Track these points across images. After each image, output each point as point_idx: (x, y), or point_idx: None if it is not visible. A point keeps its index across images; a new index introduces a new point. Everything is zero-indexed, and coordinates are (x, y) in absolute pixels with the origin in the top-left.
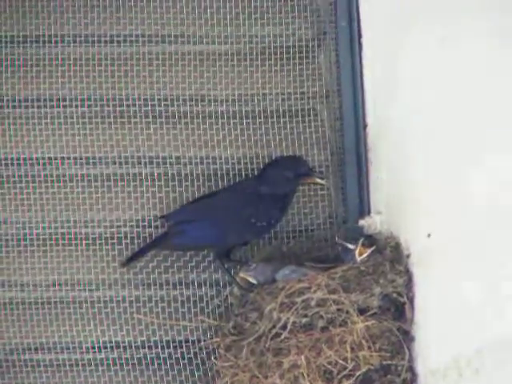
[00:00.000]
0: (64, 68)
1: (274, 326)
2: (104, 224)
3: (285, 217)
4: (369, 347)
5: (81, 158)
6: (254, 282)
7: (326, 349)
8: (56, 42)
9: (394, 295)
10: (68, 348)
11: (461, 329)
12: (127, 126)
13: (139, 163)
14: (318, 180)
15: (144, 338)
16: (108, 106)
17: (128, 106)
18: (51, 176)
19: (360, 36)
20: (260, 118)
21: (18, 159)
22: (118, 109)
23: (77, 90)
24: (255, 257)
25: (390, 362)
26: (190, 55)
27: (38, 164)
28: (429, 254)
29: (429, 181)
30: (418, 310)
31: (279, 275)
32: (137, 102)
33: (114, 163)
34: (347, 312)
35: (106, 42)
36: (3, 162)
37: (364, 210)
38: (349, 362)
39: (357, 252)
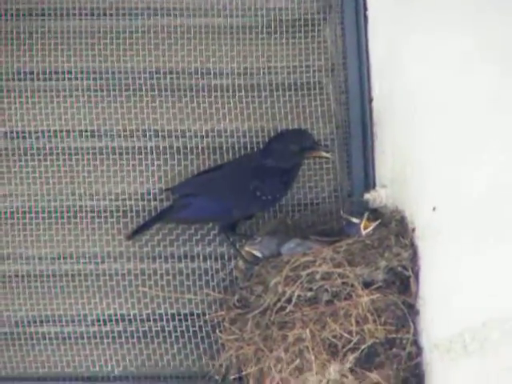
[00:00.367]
0: (69, 41)
1: (278, 300)
2: (109, 197)
3: (290, 190)
4: (374, 321)
5: (86, 131)
6: (259, 255)
7: (330, 322)
8: (62, 15)
9: (399, 269)
10: (73, 321)
11: (465, 303)
12: (133, 99)
13: (144, 136)
14: (324, 153)
15: (149, 311)
16: (113, 79)
17: (133, 79)
18: (56, 149)
19: (366, 9)
20: (265, 91)
21: (24, 132)
22: (123, 82)
23: (82, 63)
24: (260, 230)
25: (394, 336)
26: (196, 28)
27: (44, 137)
28: (434, 228)
29: (434, 155)
30: (423, 283)
31: (284, 249)
32: (142, 75)
33: (120, 136)
34: (352, 285)
35: (111, 15)
36: (8, 135)
37: (369, 183)
38: (354, 335)
39: (362, 225)
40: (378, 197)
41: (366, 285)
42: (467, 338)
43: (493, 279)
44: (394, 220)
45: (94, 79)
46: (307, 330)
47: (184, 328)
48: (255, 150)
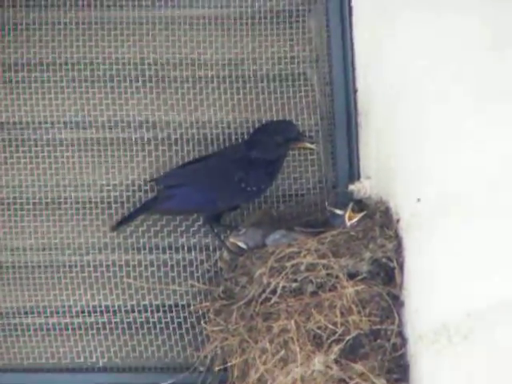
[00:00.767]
0: (54, 32)
1: (263, 291)
2: (94, 188)
3: (275, 182)
4: (358, 312)
5: (71, 122)
6: (243, 246)
7: (315, 313)
8: (46, 6)
9: (384, 260)
10: (58, 312)
11: (450, 294)
12: (117, 90)
13: (129, 127)
14: (308, 145)
15: (134, 303)
16: (98, 70)
17: (118, 70)
18: (41, 140)
19: (350, 0)
20: (250, 82)
21: (8, 123)
22: (107, 73)
23: (66, 54)
24: (245, 221)
25: (379, 327)
26: (180, 19)
27: (28, 128)
28: (418, 219)
29: (419, 146)
30: (408, 274)
31: (269, 240)
32: (127, 66)
33: (104, 127)
34: (337, 277)
35: (95, 6)
36: None
37: (354, 174)
38: (338, 326)
39: (346, 216)
40: (362, 188)
41: (351, 276)
42: (452, 329)
43: (477, 270)
44: (379, 211)
45: (79, 70)
46: (292, 322)
47: (169, 319)
48: (240, 141)
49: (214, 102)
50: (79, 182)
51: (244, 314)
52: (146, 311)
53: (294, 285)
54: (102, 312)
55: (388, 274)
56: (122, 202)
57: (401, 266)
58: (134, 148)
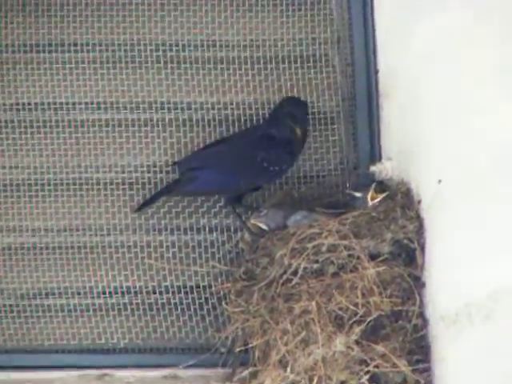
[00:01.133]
0: (75, 13)
1: (284, 272)
2: (115, 169)
3: (296, 162)
4: (379, 293)
5: (92, 104)
6: (264, 227)
7: (336, 294)
8: None
9: (405, 241)
10: (79, 293)
11: (471, 274)
12: (138, 72)
13: (150, 109)
14: (297, 131)
15: (155, 284)
16: (119, 51)
17: (139, 51)
18: (62, 121)
19: None
20: (271, 63)
21: (30, 104)
22: (129, 54)
23: (88, 35)
24: (266, 202)
25: (400, 308)
26: (202, 1)
27: (49, 109)
28: (440, 200)
29: (440, 127)
30: (429, 255)
31: (290, 221)
32: (148, 48)
33: (125, 109)
34: (358, 258)
35: None
36: (14, 108)
37: (375, 156)
38: (359, 307)
39: (369, 196)
40: (383, 169)
41: (372, 257)
42: (473, 310)
43: (498, 251)
44: (400, 192)
45: (100, 51)
46: (313, 303)
47: (190, 300)
48: (261, 121)
49: (236, 84)
50: (100, 163)
51: (265, 295)
52: (168, 292)
53: (316, 266)
54: (123, 293)
55: (409, 254)
56: (144, 183)
57: (422, 247)
58: (156, 129)
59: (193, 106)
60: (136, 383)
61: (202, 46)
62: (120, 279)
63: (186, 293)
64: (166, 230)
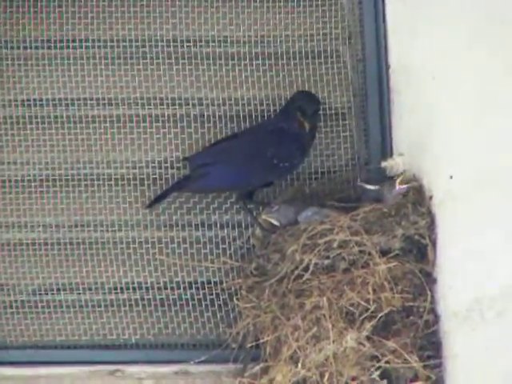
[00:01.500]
0: (87, 9)
1: (296, 268)
2: (126, 165)
3: (307, 158)
4: (391, 289)
5: (103, 99)
6: (276, 223)
7: (347, 290)
8: None
9: (416, 237)
10: (90, 289)
11: (483, 271)
12: (150, 68)
13: (161, 104)
14: (306, 124)
15: (166, 279)
16: (131, 47)
17: (151, 47)
18: (74, 117)
19: None
20: (282, 59)
21: (41, 100)
22: (140, 50)
23: (99, 30)
24: (277, 198)
25: (412, 304)
26: None
27: (61, 105)
28: (451, 196)
29: (451, 123)
30: (440, 251)
31: (301, 217)
32: (159, 44)
33: (137, 104)
34: (369, 254)
35: None
36: (26, 103)
37: (386, 151)
38: (371, 303)
39: (398, 181)
40: (395, 165)
41: (383, 253)
42: (485, 306)
43: (510, 247)
44: (412, 188)
45: (112, 47)
46: (324, 298)
47: (201, 296)
48: (272, 117)
49: (247, 79)
50: (112, 158)
51: (276, 291)
52: (179, 288)
53: (327, 262)
54: (134, 289)
55: (420, 250)
56: (155, 179)
57: (433, 243)
58: (167, 125)
59: (204, 102)
60: (147, 379)
61: (214, 41)
62: (131, 275)
63: (197, 288)
64: (177, 225)
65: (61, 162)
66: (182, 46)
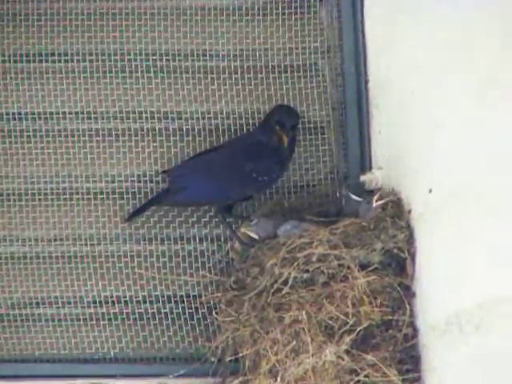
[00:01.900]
0: (66, 23)
1: (275, 281)
2: (105, 179)
3: (286, 172)
4: (370, 302)
5: (82, 113)
6: (255, 237)
7: (327, 304)
8: None
9: (395, 251)
10: (69, 303)
11: (461, 284)
12: (129, 81)
13: (140, 118)
14: (284, 138)
15: (145, 293)
16: (110, 60)
17: (129, 60)
18: (53, 131)
19: None
20: (261, 73)
21: (20, 114)
22: (119, 64)
23: (78, 44)
24: (257, 212)
25: (391, 318)
26: (192, 10)
27: (40, 119)
28: (430, 210)
29: (430, 137)
30: (419, 265)
31: (281, 230)
32: (138, 57)
33: (116, 118)
34: (348, 267)
35: None
36: (5, 117)
37: (365, 165)
38: (350, 317)
39: (375, 198)
40: (374, 178)
41: (363, 267)
42: (463, 320)
43: (488, 261)
44: (390, 202)
45: (90, 61)
46: (303, 312)
47: (180, 310)
48: (251, 130)
49: (226, 93)
50: (91, 172)
51: (255, 305)
52: (158, 302)
53: (306, 275)
54: (113, 302)
55: (399, 264)
56: (134, 193)
57: (412, 257)
58: (146, 139)
59: (183, 116)
60: None
61: (192, 55)
62: (110, 289)
63: (176, 302)
64: (156, 239)
65: (40, 175)
66: (161, 60)
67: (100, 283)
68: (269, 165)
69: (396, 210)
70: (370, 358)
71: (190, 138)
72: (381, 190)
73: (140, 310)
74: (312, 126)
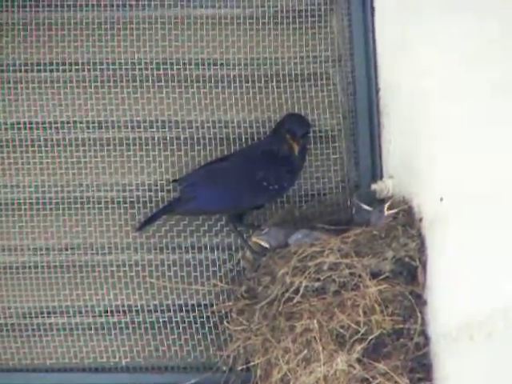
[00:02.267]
0: (76, 32)
1: (286, 290)
2: (116, 188)
3: (297, 181)
4: (381, 311)
5: (93, 122)
6: (266, 246)
7: (338, 313)
8: (69, 6)
9: (407, 259)
10: (81, 312)
11: (473, 293)
12: (140, 90)
13: (151, 127)
14: (295, 146)
15: (156, 302)
16: (121, 69)
17: (140, 70)
18: (64, 140)
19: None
20: (272, 81)
21: (31, 123)
22: (130, 73)
23: (89, 54)
24: (268, 221)
25: (402, 326)
26: (203, 19)
27: (51, 128)
28: (441, 218)
29: (442, 145)
30: (431, 273)
31: (292, 239)
32: (149, 66)
33: (127, 127)
34: (359, 276)
35: (118, 6)
36: (16, 127)
37: (376, 174)
38: (361, 325)
39: (386, 206)
40: (385, 187)
41: (374, 275)
42: (474, 328)
43: (500, 269)
44: (402, 210)
45: (101, 70)
46: (315, 321)
47: (191, 319)
48: (262, 139)
49: (237, 102)
50: (102, 181)
51: (267, 314)
52: (169, 311)
53: (317, 284)
54: (124, 312)
55: (411, 273)
56: (145, 202)
57: (424, 265)
58: (157, 148)
59: (194, 125)
60: None
61: (203, 64)
62: (122, 298)
63: (188, 311)
64: (168, 248)
65: (51, 184)
66: (172, 69)
67: (111, 292)
68: (280, 173)
69: (407, 219)
70: (381, 366)
71: (201, 147)
72: (392, 199)
73: (151, 319)
74: (323, 134)
